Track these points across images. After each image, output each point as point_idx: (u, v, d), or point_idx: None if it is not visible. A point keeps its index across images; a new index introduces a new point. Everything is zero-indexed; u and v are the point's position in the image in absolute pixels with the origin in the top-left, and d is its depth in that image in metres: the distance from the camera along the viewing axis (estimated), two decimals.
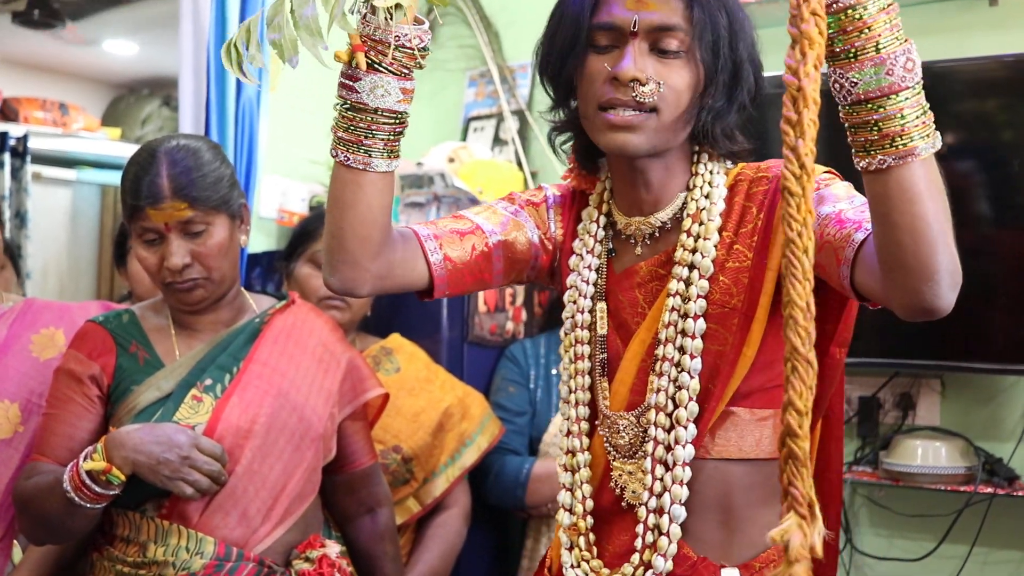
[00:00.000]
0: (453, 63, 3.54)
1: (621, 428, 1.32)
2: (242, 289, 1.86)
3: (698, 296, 1.26)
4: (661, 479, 1.28)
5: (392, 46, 1.15)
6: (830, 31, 0.97)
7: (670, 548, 1.26)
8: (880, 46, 0.96)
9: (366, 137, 1.19)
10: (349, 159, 1.21)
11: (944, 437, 2.56)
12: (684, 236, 1.30)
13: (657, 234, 1.34)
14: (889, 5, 0.97)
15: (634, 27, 1.21)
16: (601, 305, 1.37)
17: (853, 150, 1.01)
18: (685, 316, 1.27)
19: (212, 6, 2.58)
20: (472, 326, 2.60)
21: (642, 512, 1.29)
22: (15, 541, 1.88)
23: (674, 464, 1.27)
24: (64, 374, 1.74)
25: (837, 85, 0.99)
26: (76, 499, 1.58)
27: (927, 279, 1.00)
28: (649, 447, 1.29)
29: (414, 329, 2.50)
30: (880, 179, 1.00)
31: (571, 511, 1.37)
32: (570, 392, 1.39)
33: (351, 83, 1.18)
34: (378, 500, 1.94)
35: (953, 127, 2.50)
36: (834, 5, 0.96)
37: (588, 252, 1.39)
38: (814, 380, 0.80)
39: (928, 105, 0.99)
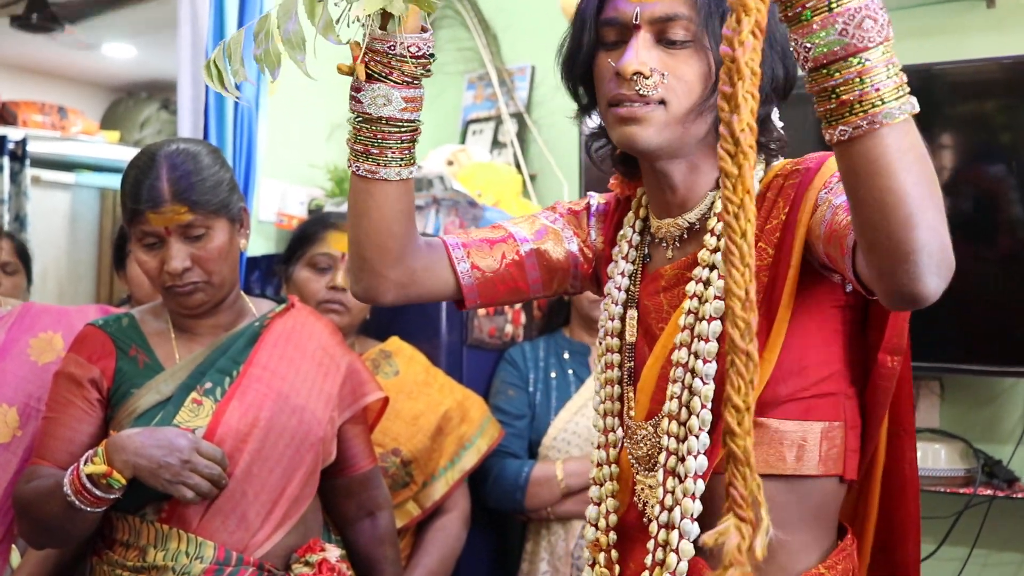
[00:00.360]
0: (451, 66, 3.55)
1: (640, 439, 1.26)
2: (241, 293, 1.86)
3: (715, 297, 1.18)
4: (672, 492, 1.20)
5: (389, 55, 1.16)
6: None
7: (680, 566, 1.17)
8: (834, 5, 0.87)
9: (373, 146, 1.20)
10: (359, 168, 1.22)
11: (943, 439, 2.56)
12: (708, 236, 1.22)
13: (686, 236, 1.28)
14: None
15: (636, 19, 1.18)
16: (632, 312, 1.32)
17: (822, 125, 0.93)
18: (701, 319, 1.19)
19: (210, 11, 2.58)
20: (471, 329, 2.60)
21: (653, 527, 1.22)
22: (14, 545, 1.88)
23: (685, 476, 1.18)
24: (64, 378, 1.74)
25: (797, 53, 0.91)
26: (76, 503, 1.58)
27: (902, 259, 0.91)
28: (662, 458, 1.22)
29: (413, 332, 2.50)
30: (845, 152, 0.91)
31: (596, 525, 1.33)
32: (600, 402, 1.35)
33: (355, 94, 1.19)
34: (378, 504, 1.94)
35: (950, 129, 2.51)
36: None
37: (623, 258, 1.34)
38: (755, 374, 0.75)
39: (898, 66, 0.89)
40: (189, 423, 1.68)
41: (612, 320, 1.33)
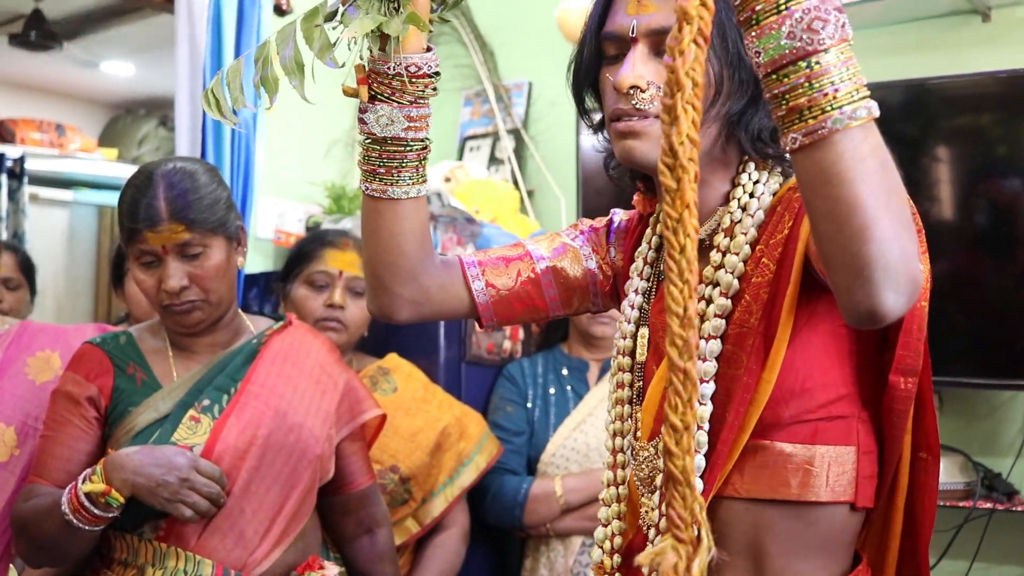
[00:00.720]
0: (448, 82, 3.55)
1: (642, 460, 1.23)
2: (239, 310, 1.87)
3: (715, 315, 1.14)
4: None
5: (390, 76, 1.16)
6: None
7: None
8: (782, 7, 0.83)
9: (380, 166, 1.21)
10: (369, 188, 1.23)
11: (943, 452, 2.55)
12: (714, 253, 1.18)
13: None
14: None
15: (632, 32, 1.15)
16: (643, 331, 1.28)
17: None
18: (701, 338, 1.15)
19: (208, 29, 2.59)
20: (469, 345, 2.60)
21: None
22: (11, 565, 1.87)
23: None
24: (62, 396, 1.74)
25: (751, 58, 0.88)
26: (74, 521, 1.58)
27: (856, 274, 0.85)
28: (659, 480, 1.19)
29: (411, 349, 2.50)
30: (799, 160, 0.87)
31: (602, 547, 1.30)
32: (611, 422, 1.32)
33: (362, 115, 1.19)
34: (377, 521, 1.93)
35: (945, 143, 2.51)
36: None
37: (638, 275, 1.31)
38: (694, 393, 0.72)
39: (856, 69, 0.85)
40: (187, 440, 1.68)
41: (624, 339, 1.30)
